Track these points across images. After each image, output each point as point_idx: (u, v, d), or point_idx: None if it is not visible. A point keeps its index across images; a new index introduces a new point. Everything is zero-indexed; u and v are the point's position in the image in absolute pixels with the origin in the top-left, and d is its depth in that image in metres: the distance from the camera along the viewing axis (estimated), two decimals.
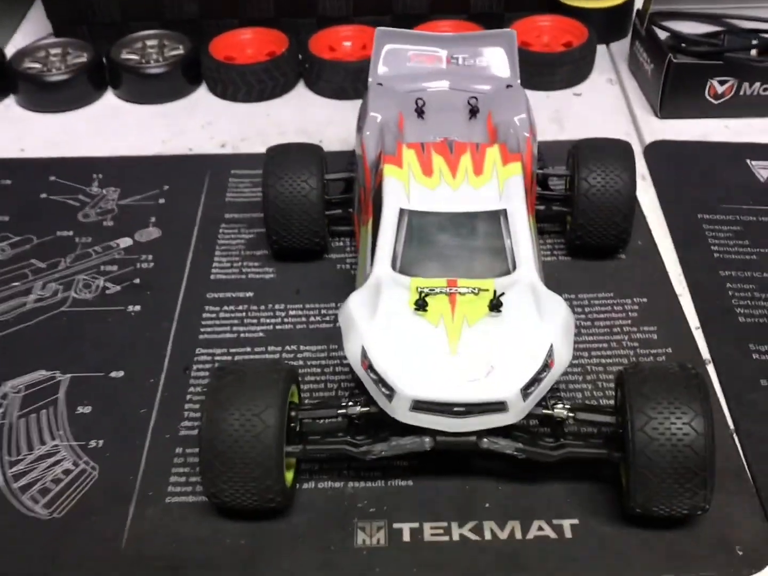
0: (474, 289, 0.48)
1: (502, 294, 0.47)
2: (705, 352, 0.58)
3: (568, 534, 0.47)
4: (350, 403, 0.49)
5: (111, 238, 0.68)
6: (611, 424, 0.48)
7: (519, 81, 0.65)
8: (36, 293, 0.63)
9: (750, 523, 0.48)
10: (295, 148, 0.64)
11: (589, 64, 0.86)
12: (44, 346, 0.59)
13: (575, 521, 0.48)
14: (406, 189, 0.54)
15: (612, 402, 0.51)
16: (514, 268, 0.50)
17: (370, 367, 0.46)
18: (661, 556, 0.46)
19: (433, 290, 0.48)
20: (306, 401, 0.54)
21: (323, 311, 0.61)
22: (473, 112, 0.62)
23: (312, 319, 0.61)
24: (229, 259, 0.66)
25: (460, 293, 0.48)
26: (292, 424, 0.48)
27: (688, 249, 0.65)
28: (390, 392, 0.46)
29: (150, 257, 0.66)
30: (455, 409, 0.45)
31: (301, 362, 0.57)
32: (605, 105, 0.82)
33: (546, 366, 0.46)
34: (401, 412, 0.46)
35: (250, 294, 0.63)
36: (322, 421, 0.52)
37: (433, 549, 0.47)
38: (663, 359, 0.57)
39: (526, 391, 0.45)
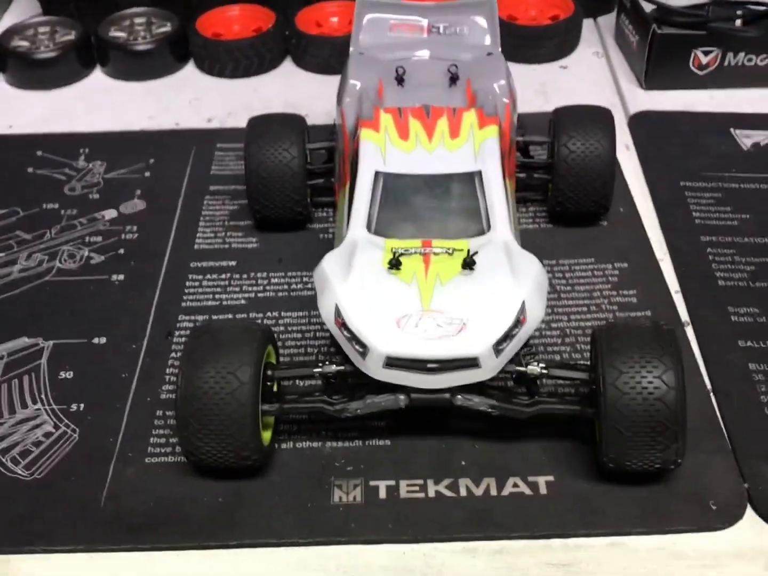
0: (448, 249, 0.49)
1: (476, 253, 0.48)
2: (684, 315, 0.58)
3: (543, 491, 0.48)
4: (326, 363, 0.49)
5: (96, 210, 0.68)
6: (585, 381, 0.48)
7: (499, 49, 0.66)
8: (21, 263, 0.64)
9: (725, 480, 0.48)
10: (277, 118, 0.65)
11: (576, 38, 0.86)
12: (28, 314, 0.60)
13: (550, 478, 0.48)
14: (383, 152, 0.54)
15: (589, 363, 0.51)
16: (489, 228, 0.51)
17: (343, 325, 0.47)
18: (637, 511, 0.47)
19: (408, 251, 0.49)
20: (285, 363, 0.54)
21: (305, 279, 0.61)
22: (453, 79, 0.62)
23: (294, 286, 0.61)
24: (213, 230, 0.66)
25: (434, 253, 0.49)
26: (269, 383, 0.48)
27: (669, 215, 0.66)
28: (363, 349, 0.46)
29: (134, 228, 0.66)
30: (428, 365, 0.46)
31: (282, 328, 0.58)
32: (591, 77, 0.83)
33: (518, 322, 0.46)
34: (375, 369, 0.46)
35: (233, 263, 0.63)
36: (300, 383, 0.53)
37: (408, 505, 0.47)
38: None
39: (498, 348, 0.46)
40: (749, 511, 0.47)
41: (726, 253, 0.62)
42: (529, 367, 0.48)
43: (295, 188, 0.62)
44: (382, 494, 0.48)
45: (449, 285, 0.47)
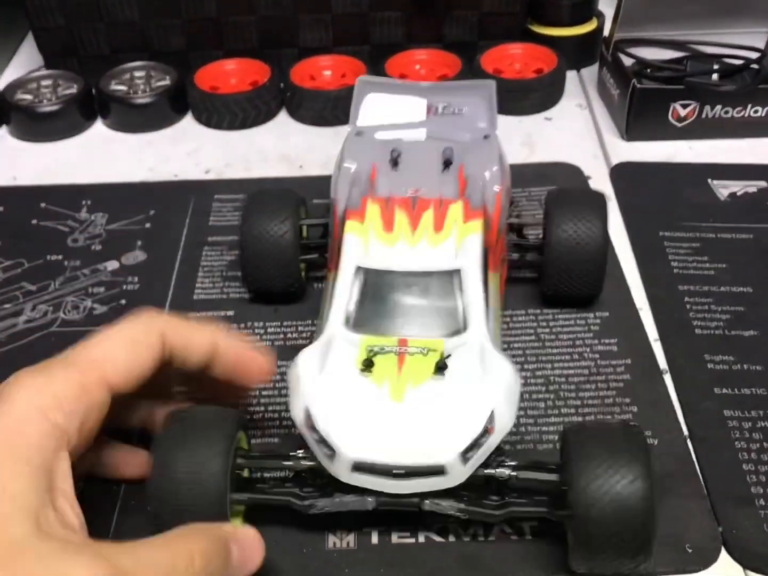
0: (423, 349, 0.50)
1: (449, 356, 0.49)
2: (663, 363, 0.60)
3: (528, 535, 0.50)
4: (298, 456, 0.49)
5: (99, 261, 0.71)
6: (554, 482, 0.48)
7: (496, 131, 0.66)
8: (26, 314, 0.66)
9: (700, 523, 0.50)
10: (270, 194, 0.65)
11: (560, 90, 0.89)
12: (34, 364, 0.62)
13: (534, 523, 0.51)
14: (365, 246, 0.55)
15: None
16: (465, 328, 0.51)
17: (312, 428, 0.47)
18: None
19: (383, 349, 0.50)
20: (256, 447, 0.54)
21: (300, 328, 0.64)
22: (447, 163, 0.62)
23: (289, 335, 0.64)
24: (211, 280, 0.69)
25: (409, 353, 0.49)
26: (238, 471, 0.49)
27: (649, 265, 0.68)
28: (331, 452, 0.46)
29: (136, 279, 0.69)
30: (394, 471, 0.46)
31: (278, 377, 0.60)
32: (575, 128, 0.86)
33: (486, 431, 0.46)
34: (342, 473, 0.47)
35: (230, 313, 0.66)
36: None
37: (399, 550, 0.50)
38: (622, 369, 0.60)
39: (465, 456, 0.46)
40: (723, 554, 0.49)
41: (703, 302, 0.65)
42: (498, 470, 0.48)
43: (287, 263, 0.63)
44: (374, 540, 0.50)
45: (420, 389, 0.47)
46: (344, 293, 0.53)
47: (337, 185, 0.62)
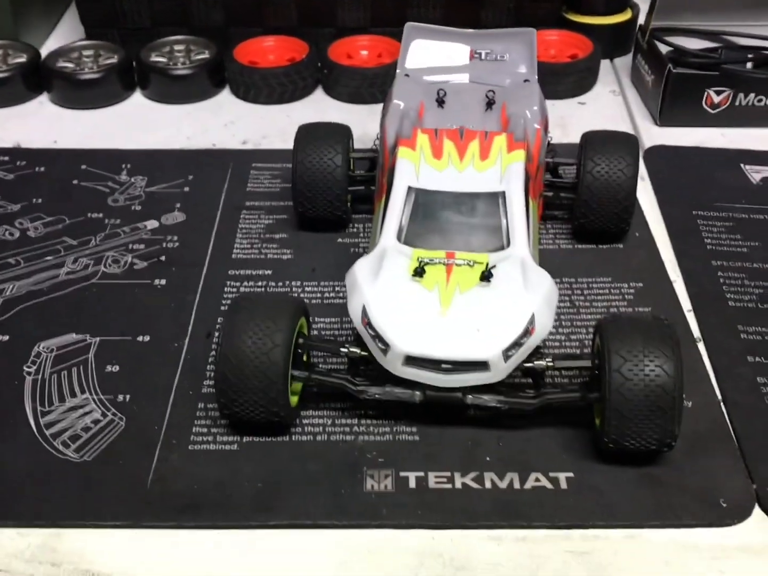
0: (469, 261, 0.53)
1: (494, 267, 0.52)
2: (696, 332, 0.61)
3: (563, 485, 0.51)
4: (353, 346, 0.54)
5: (138, 220, 0.72)
6: (588, 368, 0.52)
7: (536, 77, 0.70)
8: (68, 267, 0.67)
9: (734, 480, 0.51)
10: (323, 127, 0.70)
11: (594, 76, 0.90)
12: (75, 313, 0.63)
13: (570, 474, 0.51)
14: (416, 169, 0.59)
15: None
16: (508, 244, 0.55)
17: (368, 324, 0.51)
18: (650, 507, 0.50)
19: (432, 260, 0.53)
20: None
21: (337, 288, 0.65)
22: (489, 104, 0.66)
23: (326, 295, 0.64)
24: (249, 241, 0.70)
25: (456, 264, 0.53)
26: (299, 351, 0.53)
27: (682, 241, 0.69)
28: (385, 347, 0.50)
29: (175, 238, 0.70)
30: (443, 365, 0.50)
31: (315, 332, 0.61)
32: (608, 113, 0.87)
33: (527, 332, 0.50)
34: (394, 366, 0.51)
35: (269, 272, 0.67)
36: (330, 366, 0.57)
37: (436, 494, 0.50)
38: None
39: (507, 353, 0.50)
40: (757, 510, 0.50)
41: (736, 277, 0.65)
42: (536, 362, 0.52)
43: (338, 192, 0.67)
44: (412, 484, 0.51)
45: (467, 294, 0.51)
46: (397, 211, 0.57)
47: (386, 120, 0.65)
